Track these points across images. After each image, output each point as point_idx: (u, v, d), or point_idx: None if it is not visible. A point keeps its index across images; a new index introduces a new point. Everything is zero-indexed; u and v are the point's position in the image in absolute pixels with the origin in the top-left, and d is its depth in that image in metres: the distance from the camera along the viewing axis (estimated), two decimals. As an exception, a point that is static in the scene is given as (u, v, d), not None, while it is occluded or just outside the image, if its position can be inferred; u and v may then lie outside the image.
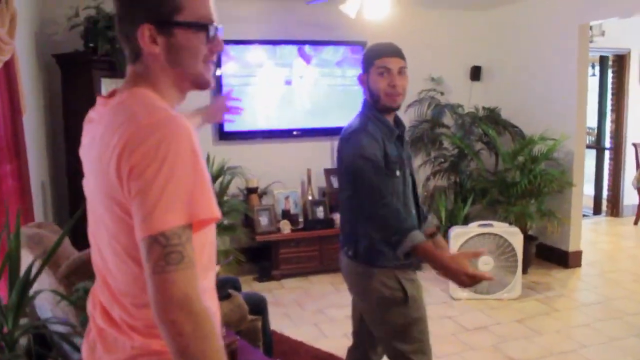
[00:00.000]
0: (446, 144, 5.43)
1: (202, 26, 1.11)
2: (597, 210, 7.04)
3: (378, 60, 2.05)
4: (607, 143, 6.97)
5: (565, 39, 4.86)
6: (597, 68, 7.06)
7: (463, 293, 4.23)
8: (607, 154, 6.98)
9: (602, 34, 6.23)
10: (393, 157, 2.05)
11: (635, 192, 6.44)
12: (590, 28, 5.17)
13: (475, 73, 5.79)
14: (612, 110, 6.86)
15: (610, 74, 6.85)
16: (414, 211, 2.18)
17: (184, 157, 0.99)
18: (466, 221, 4.76)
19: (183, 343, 0.95)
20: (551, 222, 4.73)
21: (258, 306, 2.93)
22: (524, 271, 4.59)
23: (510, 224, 4.49)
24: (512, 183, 4.78)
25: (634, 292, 4.39)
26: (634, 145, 6.65)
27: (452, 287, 4.26)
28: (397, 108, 2.10)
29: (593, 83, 6.57)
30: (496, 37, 5.71)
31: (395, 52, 2.07)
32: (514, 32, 5.52)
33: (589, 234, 6.06)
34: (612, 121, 6.87)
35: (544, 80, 5.16)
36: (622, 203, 6.81)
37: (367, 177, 1.96)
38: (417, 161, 5.40)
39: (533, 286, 4.52)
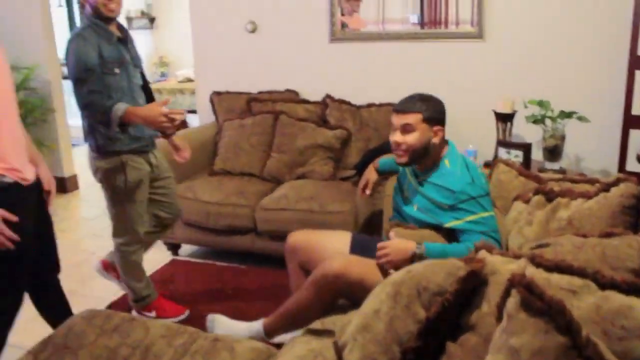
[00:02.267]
0: None
1: None
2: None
3: None
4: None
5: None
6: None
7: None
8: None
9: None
10: (111, 57, 2.40)
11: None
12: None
13: None
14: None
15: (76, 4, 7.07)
16: (142, 102, 2.57)
17: None
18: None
19: None
20: (41, 150, 4.76)
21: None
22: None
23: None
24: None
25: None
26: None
27: None
28: (114, 18, 2.44)
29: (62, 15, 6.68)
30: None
31: None
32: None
33: (83, 159, 6.29)
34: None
35: (5, 9, 4.92)
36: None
37: (71, 73, 2.35)
38: None
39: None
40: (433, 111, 2.10)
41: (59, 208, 4.81)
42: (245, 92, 4.06)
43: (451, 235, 2.11)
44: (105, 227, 3.89)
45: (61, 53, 6.17)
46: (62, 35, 5.53)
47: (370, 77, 3.91)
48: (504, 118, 3.35)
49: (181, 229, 3.44)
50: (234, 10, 4.14)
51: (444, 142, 2.19)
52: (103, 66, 2.38)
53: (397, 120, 2.11)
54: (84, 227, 4.41)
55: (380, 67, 3.88)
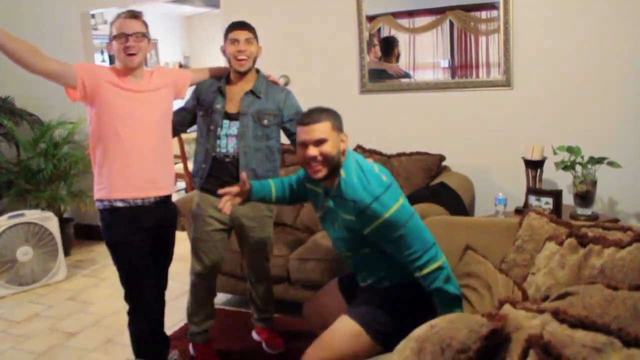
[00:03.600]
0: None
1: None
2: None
3: None
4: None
5: (70, 27, 5.06)
6: (107, 54, 7.51)
7: (5, 290, 4.07)
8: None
9: (105, 22, 6.67)
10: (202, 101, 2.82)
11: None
12: (93, 16, 5.51)
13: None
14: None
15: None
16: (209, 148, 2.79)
17: None
18: (-5, 217, 4.52)
19: None
20: (83, 201, 4.95)
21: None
22: (67, 253, 4.73)
23: (43, 209, 4.51)
24: (37, 170, 4.80)
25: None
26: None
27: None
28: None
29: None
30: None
31: None
32: (19, 17, 5.37)
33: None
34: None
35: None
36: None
37: None
38: None
39: (78, 264, 4.73)
40: (336, 119, 2.07)
41: (99, 256, 4.96)
42: (278, 143, 4.17)
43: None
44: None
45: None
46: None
47: (401, 127, 3.99)
48: (534, 165, 3.36)
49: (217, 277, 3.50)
50: (267, 65, 4.28)
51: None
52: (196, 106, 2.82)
53: (308, 134, 2.01)
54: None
55: (410, 117, 3.97)
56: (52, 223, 4.33)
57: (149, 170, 2.43)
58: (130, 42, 2.36)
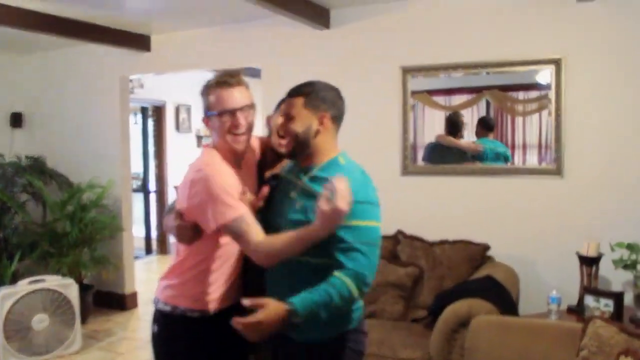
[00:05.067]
0: (-14, 197, 4.89)
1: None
2: (148, 250, 7.51)
3: None
4: (153, 186, 7.52)
5: (109, 90, 5.11)
6: (139, 116, 7.58)
7: (16, 360, 3.87)
8: (153, 196, 7.52)
9: (142, 86, 6.74)
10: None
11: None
12: (131, 80, 5.56)
13: (16, 120, 5.45)
14: (155, 156, 7.46)
15: (151, 123, 7.45)
16: None
17: None
18: (15, 279, 4.37)
19: None
20: (106, 268, 4.80)
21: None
22: (83, 321, 4.53)
23: (64, 275, 4.36)
24: (62, 233, 4.69)
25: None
26: (175, 187, 7.37)
27: (3, 355, 3.83)
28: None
29: (136, 131, 7.03)
30: (39, 82, 5.54)
31: None
32: (57, 79, 5.46)
33: (143, 274, 6.36)
34: (155, 166, 7.46)
35: (89, 128, 5.26)
36: (169, 241, 7.42)
37: None
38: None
39: (94, 335, 4.52)
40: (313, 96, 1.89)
41: (116, 327, 4.74)
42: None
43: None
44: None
45: (135, 169, 6.45)
46: (136, 152, 5.76)
47: (443, 212, 3.80)
48: (589, 262, 3.13)
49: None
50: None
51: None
52: None
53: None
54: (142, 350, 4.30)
55: (453, 202, 3.79)
56: (72, 290, 4.16)
57: None
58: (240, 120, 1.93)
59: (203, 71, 4.94)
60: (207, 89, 1.95)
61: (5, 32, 4.37)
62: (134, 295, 5.28)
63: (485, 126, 3.80)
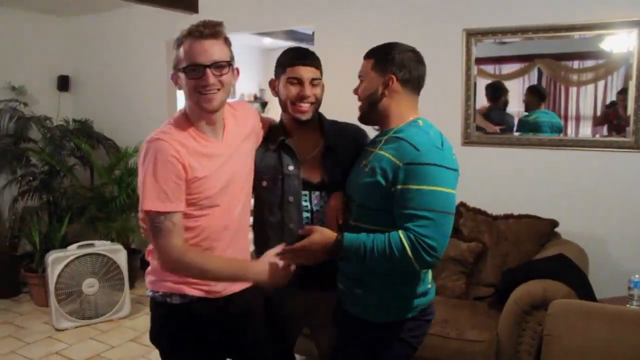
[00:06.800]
0: (34, 160, 4.89)
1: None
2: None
3: None
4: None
5: (155, 53, 5.01)
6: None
7: (68, 322, 3.86)
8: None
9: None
10: (261, 166, 1.94)
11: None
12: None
13: (64, 83, 5.40)
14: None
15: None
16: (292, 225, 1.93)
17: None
18: (64, 243, 4.37)
19: None
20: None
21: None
22: (131, 286, 4.50)
23: (113, 240, 4.33)
24: (110, 198, 4.64)
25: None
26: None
27: (55, 317, 3.84)
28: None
29: (182, 95, 6.88)
30: (85, 46, 5.46)
31: None
32: (103, 42, 5.37)
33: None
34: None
35: (135, 92, 5.17)
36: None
37: None
38: (0, 181, 4.70)
39: (142, 300, 4.46)
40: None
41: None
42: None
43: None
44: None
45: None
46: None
47: (508, 185, 3.58)
48: (671, 243, 2.90)
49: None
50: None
51: None
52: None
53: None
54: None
55: (518, 175, 3.56)
56: (121, 256, 4.13)
57: None
58: (210, 79, 1.64)
59: (252, 34, 4.76)
60: (178, 40, 1.67)
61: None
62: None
63: (538, 96, 3.55)
